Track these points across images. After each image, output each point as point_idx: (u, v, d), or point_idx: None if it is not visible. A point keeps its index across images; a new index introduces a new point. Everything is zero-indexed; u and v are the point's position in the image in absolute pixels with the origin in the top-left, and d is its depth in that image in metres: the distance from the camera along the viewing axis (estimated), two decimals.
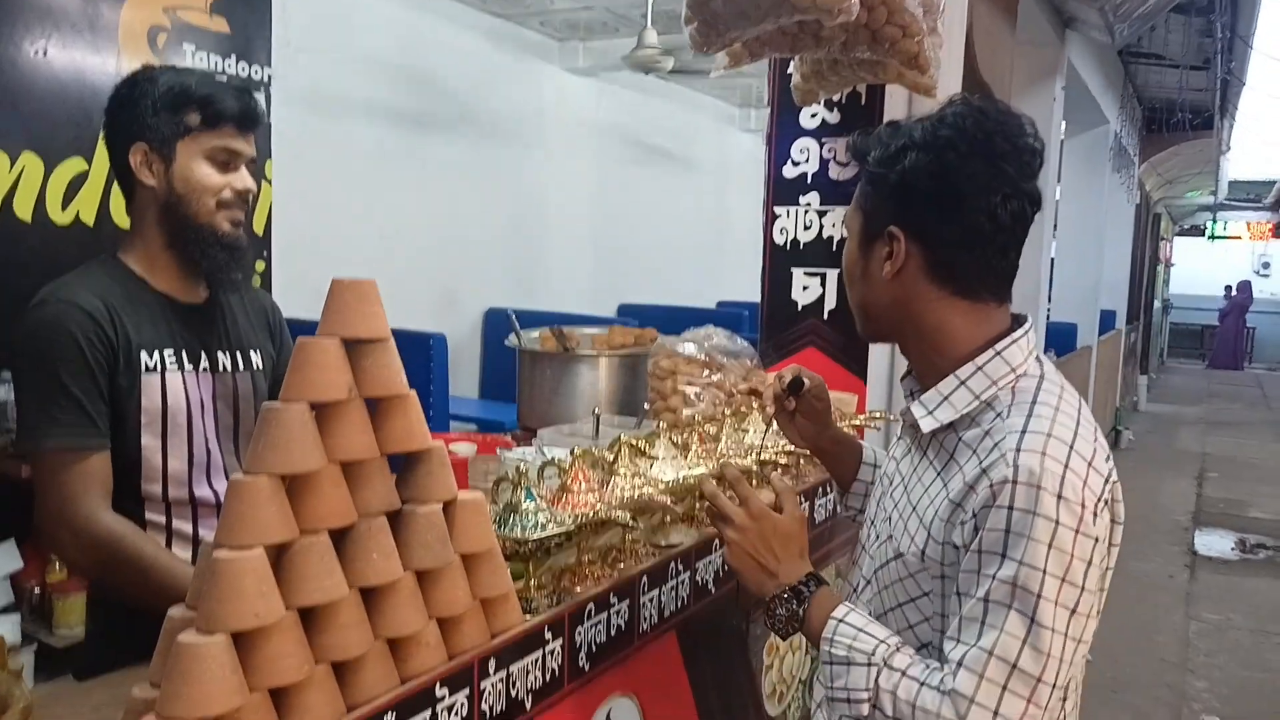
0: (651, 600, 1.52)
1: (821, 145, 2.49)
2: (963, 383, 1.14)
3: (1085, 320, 7.27)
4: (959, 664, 1.03)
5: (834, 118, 2.49)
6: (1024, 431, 1.06)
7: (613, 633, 1.42)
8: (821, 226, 2.51)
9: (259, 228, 4.14)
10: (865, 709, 1.07)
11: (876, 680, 1.07)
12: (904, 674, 1.06)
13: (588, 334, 2.79)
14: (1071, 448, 1.05)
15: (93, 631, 1.61)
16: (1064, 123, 6.98)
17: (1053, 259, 7.86)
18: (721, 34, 1.77)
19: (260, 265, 4.16)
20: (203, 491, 1.55)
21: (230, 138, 1.52)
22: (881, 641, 1.10)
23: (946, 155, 1.11)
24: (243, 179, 1.55)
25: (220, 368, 1.59)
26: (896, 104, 2.43)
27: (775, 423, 1.57)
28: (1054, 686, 1.02)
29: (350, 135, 4.61)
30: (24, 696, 0.86)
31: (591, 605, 1.37)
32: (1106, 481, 1.08)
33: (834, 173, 2.49)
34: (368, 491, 1.06)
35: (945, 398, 1.16)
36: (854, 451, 1.55)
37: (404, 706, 1.04)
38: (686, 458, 1.71)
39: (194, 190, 1.51)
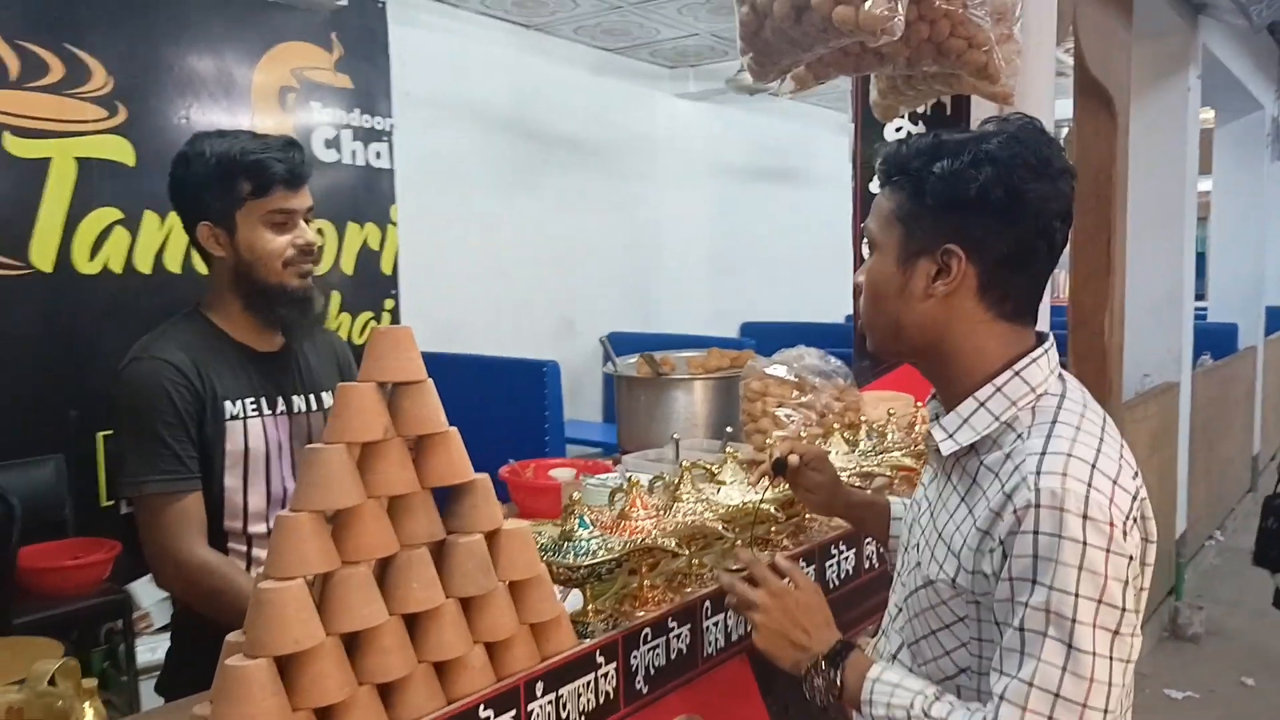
0: (716, 624, 1.53)
1: None
2: (982, 404, 1.12)
3: (1248, 320, 6.76)
4: (1000, 698, 1.01)
5: (919, 130, 2.44)
6: (1044, 453, 1.04)
7: (673, 656, 1.45)
8: None
9: (387, 268, 4.39)
10: None
11: None
12: None
13: (684, 357, 2.82)
14: (1094, 466, 1.02)
15: (174, 651, 1.75)
16: (1212, 111, 6.58)
17: (1201, 254, 7.38)
18: (776, 62, 1.78)
19: (389, 303, 4.41)
20: None
21: (282, 199, 1.62)
22: (918, 693, 1.09)
23: (1019, 172, 1.07)
24: (302, 234, 1.66)
25: (295, 409, 1.71)
26: (985, 111, 2.37)
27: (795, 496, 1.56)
28: (1104, 711, 0.99)
29: (468, 175, 4.82)
30: (99, 713, 0.97)
31: (648, 630, 1.40)
32: (1134, 499, 1.04)
33: None
34: (410, 524, 1.13)
35: (965, 420, 1.13)
36: (878, 512, 1.51)
37: None
38: (757, 483, 1.72)
39: (259, 257, 1.62)
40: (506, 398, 3.67)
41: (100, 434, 3.37)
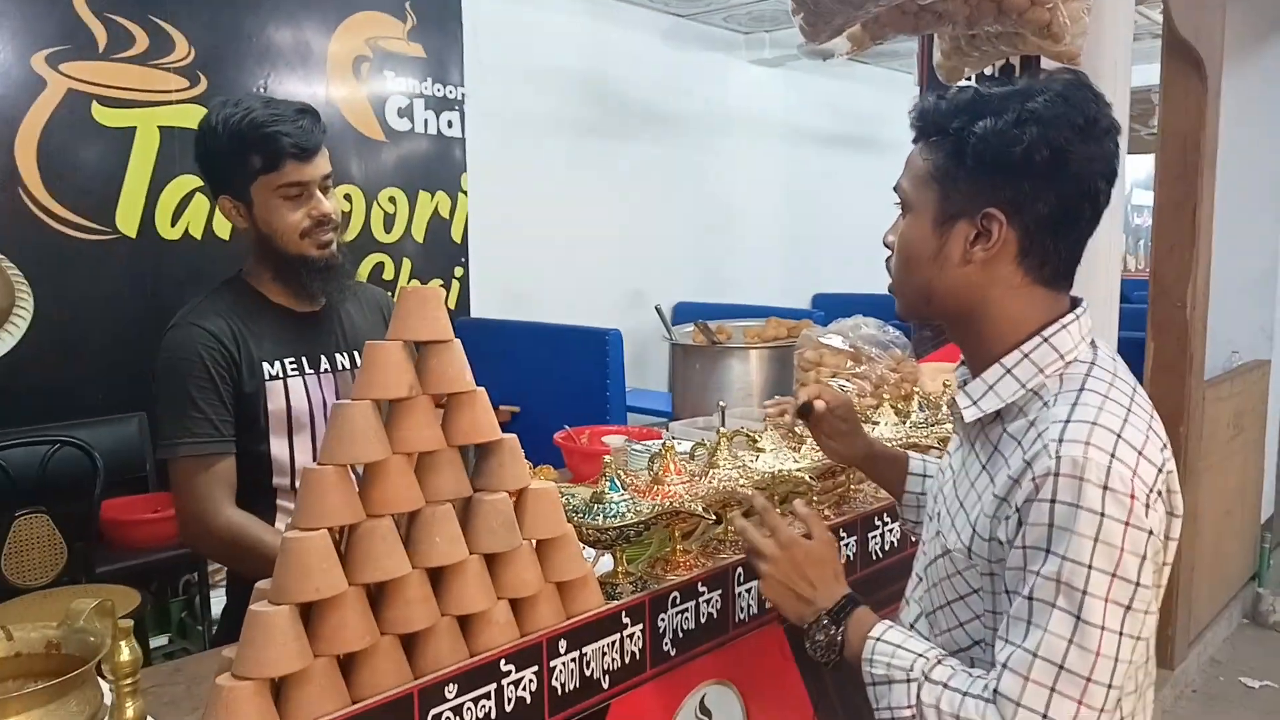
0: (749, 591, 1.53)
1: None
2: (1008, 371, 1.08)
3: None
4: (1004, 666, 0.99)
5: None
6: (1068, 421, 1.00)
7: (703, 620, 1.45)
8: None
9: (457, 236, 4.46)
10: None
11: (918, 695, 1.03)
12: (945, 686, 1.03)
13: (742, 326, 2.81)
14: (1119, 436, 0.98)
15: (229, 604, 1.82)
16: None
17: None
18: (829, 22, 1.75)
19: (459, 271, 4.48)
20: None
21: (294, 171, 1.61)
22: (920, 655, 1.06)
23: (1066, 132, 1.02)
24: (318, 205, 1.65)
25: (339, 367, 1.75)
26: None
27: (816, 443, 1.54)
28: (1109, 686, 0.95)
29: (539, 144, 4.84)
30: (134, 652, 1.02)
31: (677, 593, 1.41)
32: (1160, 471, 1.00)
33: None
34: (436, 480, 1.16)
35: (990, 387, 1.10)
36: (895, 464, 1.48)
37: (467, 678, 1.12)
38: (800, 450, 1.71)
39: (277, 231, 1.64)
40: (569, 365, 3.69)
41: None
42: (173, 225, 3.50)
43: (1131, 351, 3.29)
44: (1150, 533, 0.97)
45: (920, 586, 1.23)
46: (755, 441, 1.68)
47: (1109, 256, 2.45)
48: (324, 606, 1.03)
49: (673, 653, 1.40)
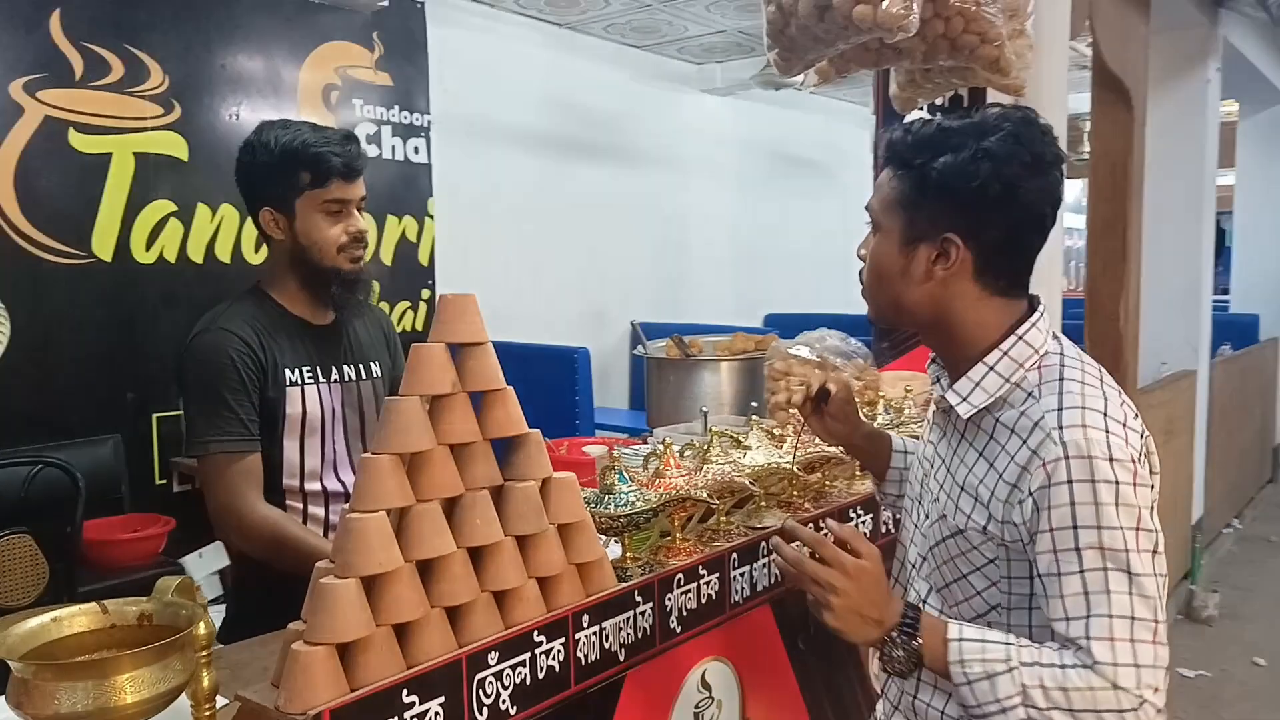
0: (743, 575, 1.67)
1: None
2: (991, 368, 1.22)
3: (1270, 311, 6.80)
4: (1087, 637, 1.09)
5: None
6: (1060, 409, 1.14)
7: (704, 601, 1.59)
8: None
9: (424, 259, 4.57)
10: (1020, 712, 1.10)
11: (1021, 681, 1.11)
12: (1039, 665, 1.11)
13: (711, 341, 2.96)
14: (1106, 415, 1.13)
15: (234, 606, 1.92)
16: (1236, 105, 6.62)
17: (1228, 247, 7.42)
18: (801, 57, 1.92)
19: (426, 293, 4.57)
20: (331, 484, 1.82)
21: (339, 190, 1.75)
22: (1003, 644, 1.14)
23: (1014, 168, 1.15)
24: (355, 222, 1.78)
25: (347, 378, 1.86)
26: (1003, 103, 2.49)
27: (809, 425, 1.64)
28: (1165, 621, 1.11)
29: (503, 169, 4.98)
30: (209, 626, 1.12)
31: (681, 575, 1.54)
32: (1141, 436, 1.16)
33: None
34: (473, 469, 1.28)
35: (977, 384, 1.23)
36: (885, 444, 1.62)
37: (506, 647, 1.24)
38: (781, 448, 1.86)
39: (316, 243, 1.76)
40: (539, 383, 3.81)
41: (155, 415, 3.56)
42: (147, 249, 3.55)
43: None
44: (1151, 486, 1.14)
45: (925, 566, 1.33)
46: (740, 441, 1.82)
47: (1050, 274, 2.66)
48: (383, 580, 1.15)
49: (678, 630, 1.53)
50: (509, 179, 5.01)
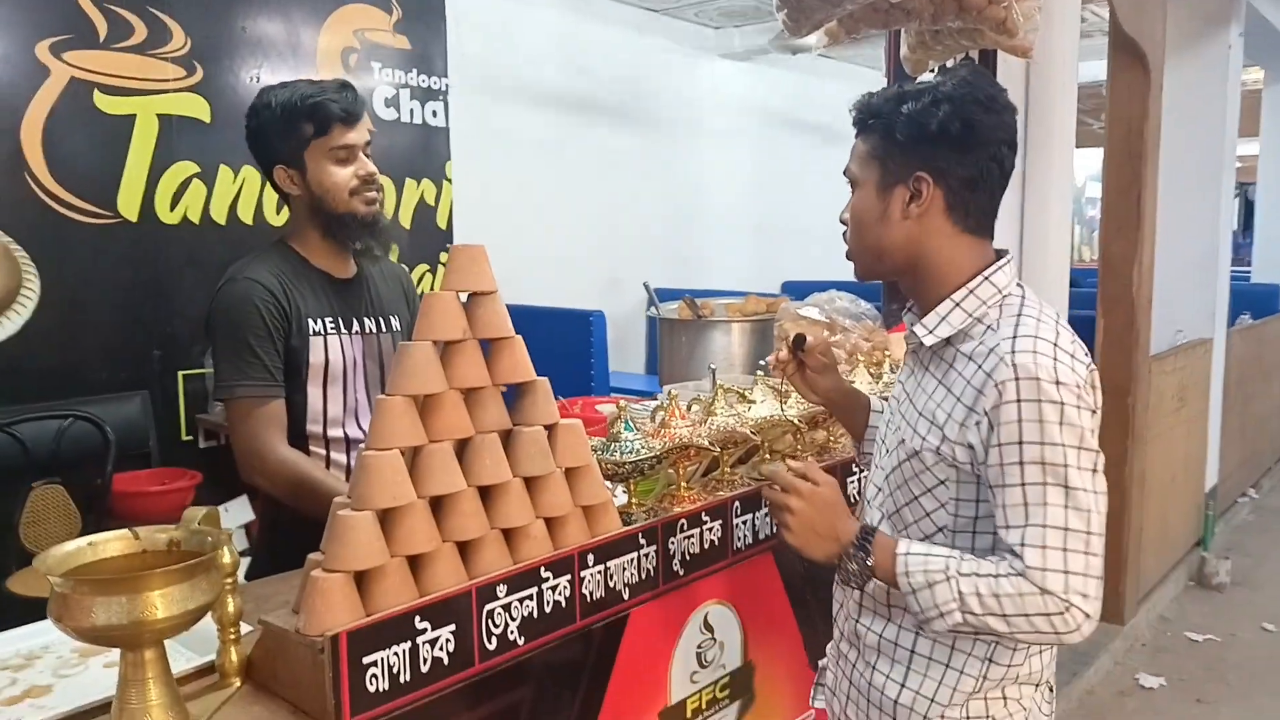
0: (745, 523, 1.73)
1: None
2: (957, 304, 1.32)
3: None
4: (1022, 544, 1.19)
5: None
6: (1015, 337, 1.24)
7: (706, 547, 1.65)
8: None
9: (442, 222, 4.61)
10: (958, 615, 1.21)
11: (959, 589, 1.21)
12: (976, 575, 1.21)
13: (723, 303, 3.00)
14: (1055, 344, 1.23)
15: (260, 549, 1.99)
16: (1261, 72, 6.53)
17: (1250, 218, 7.34)
18: (809, 17, 1.94)
19: (444, 256, 4.62)
20: (353, 431, 1.89)
21: (341, 134, 1.81)
22: (945, 557, 1.24)
23: (971, 108, 1.27)
24: (363, 165, 1.85)
25: (368, 330, 1.92)
26: (1012, 66, 2.50)
27: (790, 382, 1.71)
28: (1099, 534, 1.19)
29: (520, 133, 5.00)
30: (233, 555, 1.19)
31: (684, 521, 1.60)
32: (1087, 368, 1.25)
33: None
34: (483, 413, 1.34)
35: (943, 318, 1.33)
36: (863, 404, 1.68)
37: (515, 581, 1.31)
38: (784, 403, 1.91)
39: (328, 190, 1.82)
40: (555, 345, 3.87)
41: (181, 372, 3.65)
42: (171, 209, 3.61)
43: (1083, 328, 3.55)
44: (1093, 411, 1.23)
45: (880, 496, 1.42)
46: (745, 395, 1.87)
47: (1059, 240, 2.69)
48: (397, 514, 1.21)
49: (681, 573, 1.60)
50: (527, 143, 5.04)
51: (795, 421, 1.78)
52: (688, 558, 1.61)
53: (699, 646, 1.67)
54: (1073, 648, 3.54)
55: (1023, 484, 1.20)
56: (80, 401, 3.19)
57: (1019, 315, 1.27)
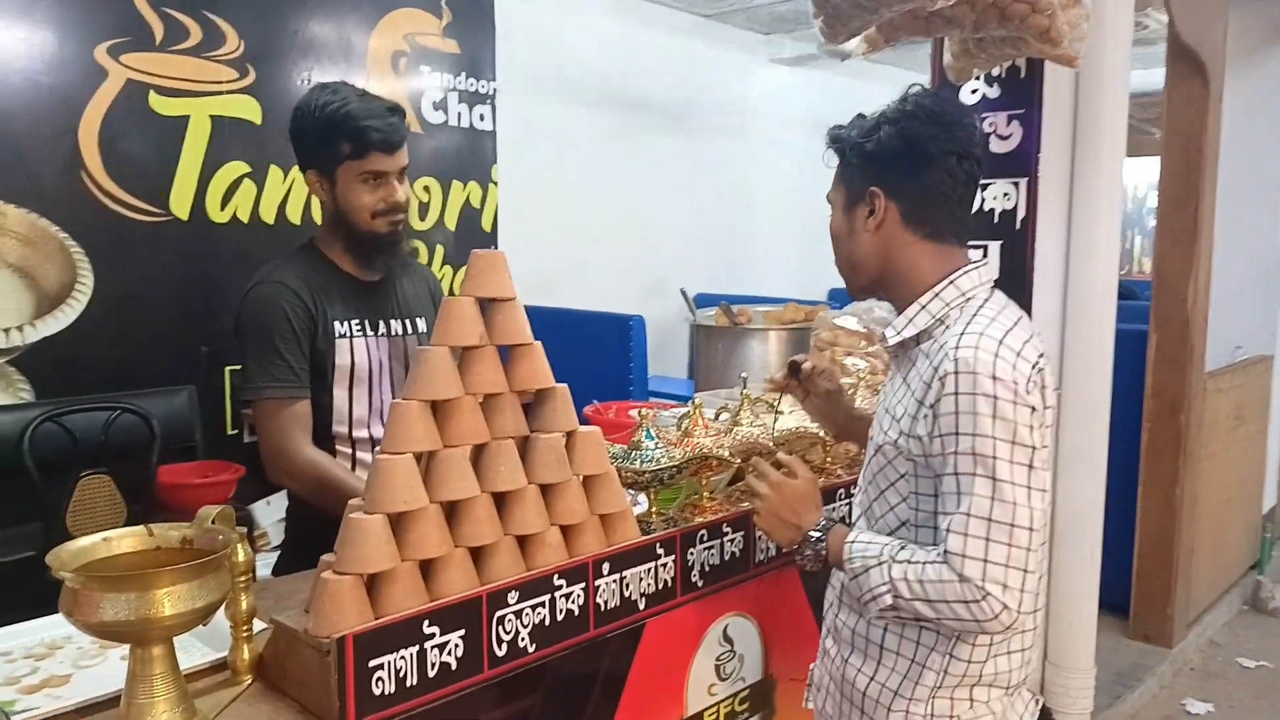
0: None
1: (981, 119, 2.53)
2: (923, 307, 1.37)
3: None
4: (947, 530, 1.23)
5: (994, 92, 2.53)
6: (962, 333, 1.28)
7: (727, 558, 1.63)
8: (983, 200, 2.56)
9: (487, 225, 4.65)
10: (889, 599, 1.27)
11: (889, 573, 1.27)
12: (909, 561, 1.26)
13: (762, 310, 2.98)
14: (1001, 341, 1.26)
15: (287, 545, 2.02)
16: None
17: None
18: (846, 24, 1.91)
19: None
20: (378, 431, 1.90)
21: (377, 161, 1.80)
22: (886, 544, 1.31)
23: (911, 124, 1.36)
24: (391, 193, 1.84)
25: (394, 332, 1.93)
26: (1060, 75, 2.44)
27: (801, 406, 1.78)
28: (1030, 530, 1.21)
29: (567, 138, 5.02)
30: (247, 553, 1.20)
31: (704, 532, 1.58)
32: (1034, 366, 1.27)
33: (995, 146, 2.52)
34: (499, 419, 1.34)
35: (910, 320, 1.38)
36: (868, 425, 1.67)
37: (527, 588, 1.31)
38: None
39: (353, 209, 1.83)
40: (594, 349, 3.87)
41: (228, 368, 3.72)
42: (222, 209, 3.69)
43: (1136, 343, 3.46)
44: (1033, 408, 1.24)
45: (860, 493, 1.47)
46: (774, 405, 1.85)
47: (1108, 253, 2.61)
48: (409, 518, 1.22)
49: (700, 584, 1.58)
50: (572, 146, 5.05)
51: (820, 434, 1.76)
52: (707, 569, 1.59)
53: (718, 659, 1.65)
54: (1116, 669, 3.45)
55: (955, 473, 1.23)
56: (129, 394, 3.26)
57: (974, 315, 1.32)
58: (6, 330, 3.20)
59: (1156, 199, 3.74)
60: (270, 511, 3.55)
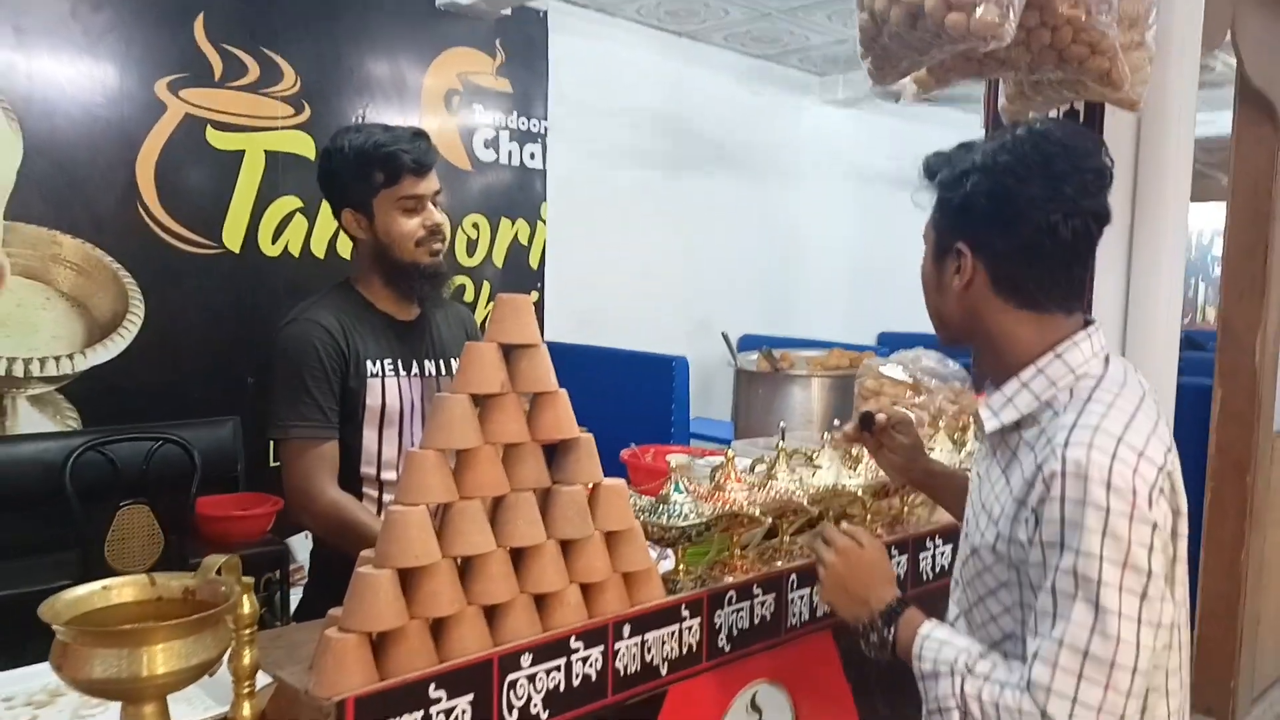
0: (801, 597, 1.63)
1: None
2: (1025, 385, 1.20)
3: None
4: (1034, 656, 1.08)
5: None
6: (1073, 427, 1.11)
7: (757, 621, 1.55)
8: None
9: (534, 262, 4.65)
10: (955, 716, 1.12)
11: (962, 688, 1.12)
12: (987, 679, 1.12)
13: (806, 356, 2.90)
14: (1120, 440, 1.08)
15: (310, 584, 1.98)
16: None
17: None
18: (895, 66, 1.86)
19: (535, 295, 4.65)
20: None
21: (411, 185, 1.81)
22: (964, 650, 1.16)
23: (1004, 179, 1.17)
24: (430, 216, 1.85)
25: (427, 373, 1.91)
26: (1121, 119, 2.36)
27: (872, 456, 1.66)
28: (1134, 671, 1.04)
29: (617, 177, 5.01)
30: (253, 604, 1.16)
31: (733, 593, 1.51)
32: (1160, 470, 1.09)
33: None
34: (520, 470, 1.29)
35: (1009, 399, 1.21)
36: (953, 483, 1.57)
37: (541, 651, 1.25)
38: (855, 469, 1.80)
39: (395, 239, 1.82)
40: (636, 389, 3.82)
41: None
42: (273, 243, 3.73)
43: (1199, 398, 3.31)
44: (1155, 525, 1.06)
45: (958, 589, 1.31)
46: (812, 459, 1.78)
47: (1170, 304, 2.50)
48: (420, 574, 1.17)
49: (727, 648, 1.50)
50: (622, 186, 5.04)
51: (859, 493, 1.68)
52: (735, 632, 1.52)
53: None
54: None
55: (1054, 591, 1.07)
56: (173, 424, 3.29)
57: (1087, 400, 1.14)
58: (57, 359, 3.25)
59: (1222, 246, 3.60)
60: (308, 544, 3.54)
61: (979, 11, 1.57)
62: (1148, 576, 1.05)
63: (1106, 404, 1.13)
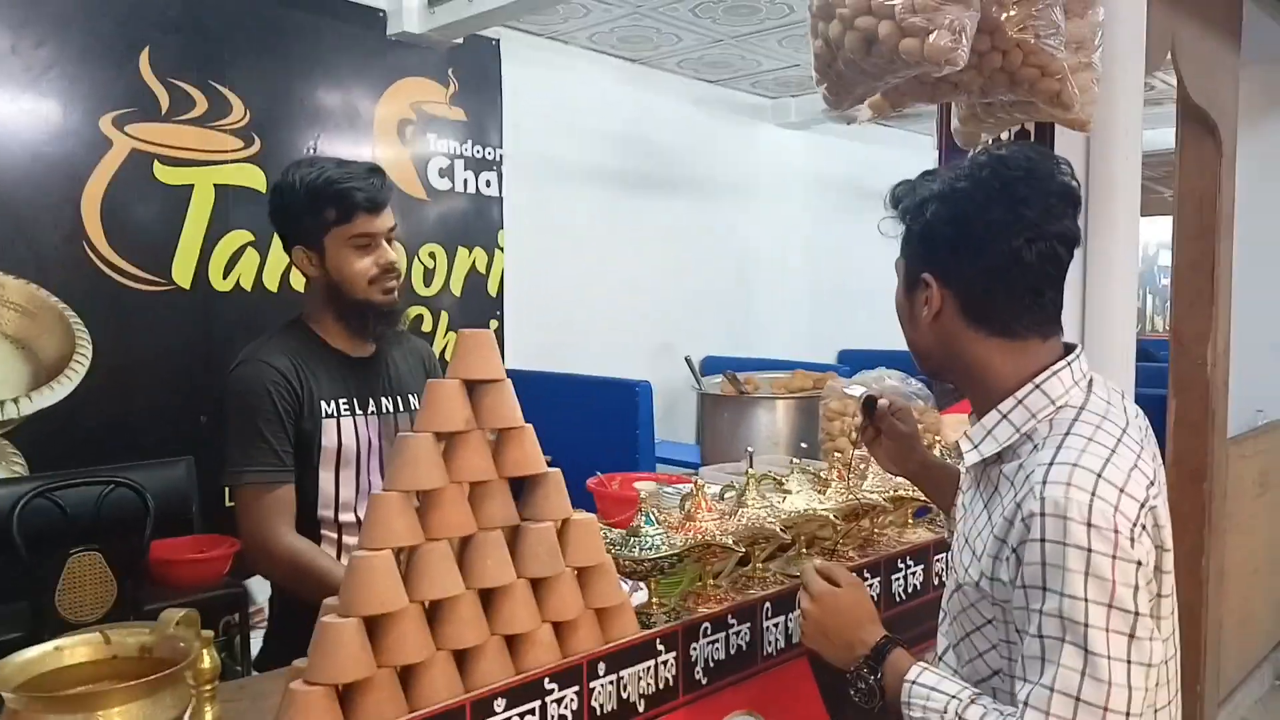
0: (776, 625, 1.61)
1: None
2: (1004, 416, 1.17)
3: None
4: (1025, 704, 1.05)
5: None
6: (1051, 464, 1.08)
7: (733, 652, 1.53)
8: None
9: (493, 290, 4.61)
10: None
11: None
12: None
13: (769, 378, 2.90)
14: (1099, 476, 1.05)
15: (272, 629, 1.93)
16: None
17: None
18: (850, 91, 1.87)
19: (494, 324, 4.62)
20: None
21: (365, 224, 1.76)
22: (953, 697, 1.13)
23: (964, 205, 1.16)
24: (384, 254, 1.80)
25: (384, 410, 1.87)
26: (1072, 138, 2.39)
27: (870, 453, 1.63)
28: (1127, 715, 1.01)
29: (574, 203, 5.01)
30: (213, 660, 1.11)
31: (708, 624, 1.49)
32: (1143, 506, 1.06)
33: None
34: (487, 508, 1.26)
35: (989, 431, 1.19)
36: (947, 476, 1.56)
37: (515, 694, 1.21)
38: (825, 493, 1.80)
39: (347, 277, 1.78)
40: (600, 416, 3.79)
41: None
42: (224, 277, 3.66)
43: (1155, 407, 3.36)
44: (1139, 564, 1.03)
45: (945, 620, 1.29)
46: (782, 484, 1.77)
47: (1125, 318, 2.54)
48: (386, 621, 1.13)
49: (704, 681, 1.48)
50: (579, 212, 5.04)
51: (831, 516, 1.67)
52: (711, 664, 1.49)
53: None
54: None
55: (1040, 636, 1.04)
56: (126, 466, 3.20)
57: (1065, 434, 1.11)
58: (2, 403, 3.15)
59: (1170, 259, 3.67)
60: (267, 587, 3.45)
61: (932, 37, 1.58)
62: (1134, 616, 1.02)
63: (1086, 438, 1.10)
